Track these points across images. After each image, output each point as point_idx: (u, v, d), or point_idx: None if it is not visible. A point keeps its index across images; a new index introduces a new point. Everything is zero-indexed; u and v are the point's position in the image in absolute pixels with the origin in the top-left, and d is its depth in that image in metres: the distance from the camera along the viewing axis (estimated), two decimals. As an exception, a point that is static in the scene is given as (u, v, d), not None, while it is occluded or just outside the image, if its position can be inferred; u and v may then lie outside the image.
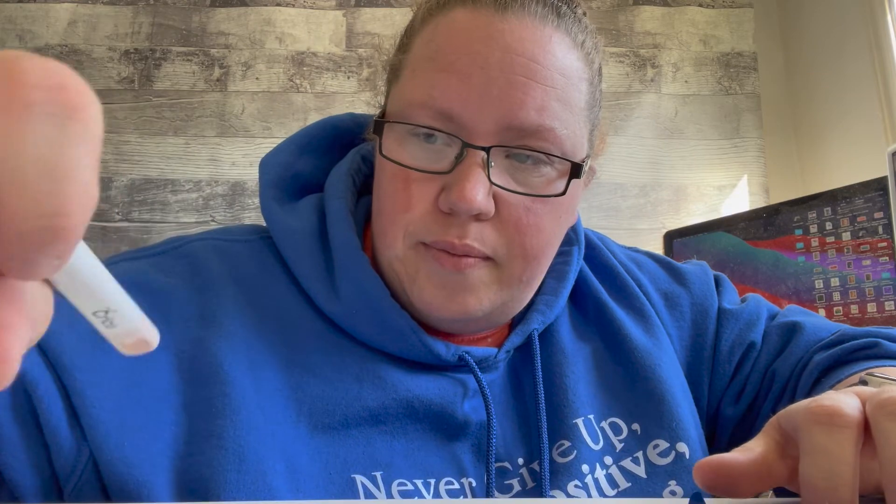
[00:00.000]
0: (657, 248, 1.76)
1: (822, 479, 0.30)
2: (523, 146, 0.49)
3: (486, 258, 0.50)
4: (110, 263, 0.50)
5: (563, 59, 0.50)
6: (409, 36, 0.55)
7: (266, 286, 0.53)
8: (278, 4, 2.03)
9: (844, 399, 0.32)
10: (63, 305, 0.21)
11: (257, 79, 1.97)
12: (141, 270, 0.50)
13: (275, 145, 0.61)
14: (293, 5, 2.03)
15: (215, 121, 1.94)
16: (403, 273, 0.51)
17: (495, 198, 0.49)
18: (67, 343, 0.43)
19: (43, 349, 0.43)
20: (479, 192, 0.47)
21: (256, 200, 1.90)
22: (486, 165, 0.48)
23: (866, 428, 0.31)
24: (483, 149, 0.48)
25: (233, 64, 1.98)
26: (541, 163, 0.50)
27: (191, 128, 1.93)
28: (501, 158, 0.49)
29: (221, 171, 1.91)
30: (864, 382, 0.43)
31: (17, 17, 1.96)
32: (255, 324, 0.50)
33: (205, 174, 1.91)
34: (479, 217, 0.49)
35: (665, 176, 1.99)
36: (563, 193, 0.51)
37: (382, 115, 0.53)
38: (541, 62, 0.49)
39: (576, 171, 0.51)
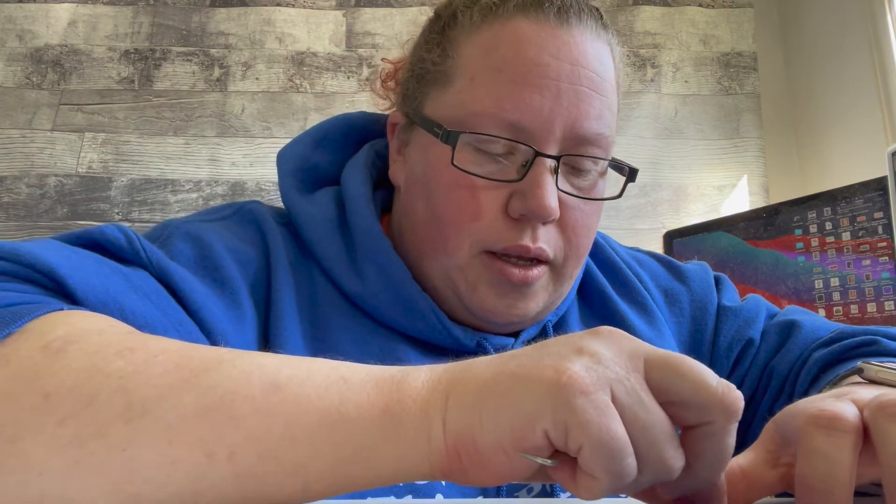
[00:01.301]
0: (657, 249, 1.76)
1: (818, 480, 0.30)
2: (584, 154, 0.52)
3: (548, 263, 0.53)
4: (186, 222, 0.54)
5: (610, 70, 0.54)
6: (451, 40, 0.54)
7: (297, 266, 0.55)
8: (278, 4, 2.03)
9: (844, 406, 0.32)
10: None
11: (257, 79, 1.97)
12: (224, 235, 0.53)
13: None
14: (293, 5, 2.03)
15: (215, 121, 1.94)
16: (462, 281, 0.53)
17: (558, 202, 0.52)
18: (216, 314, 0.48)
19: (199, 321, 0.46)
20: (554, 200, 0.50)
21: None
22: (555, 172, 0.51)
23: (865, 434, 0.31)
24: (554, 157, 0.51)
25: (233, 64, 1.98)
26: (590, 168, 0.54)
27: (191, 128, 1.93)
28: (561, 164, 0.52)
29: (221, 171, 1.92)
30: (860, 370, 0.43)
31: (17, 17, 1.96)
32: (294, 297, 0.53)
33: (205, 174, 1.91)
34: (547, 222, 0.52)
35: (665, 176, 1.99)
36: (620, 196, 0.56)
37: (427, 119, 0.54)
38: (600, 74, 0.53)
39: (632, 175, 0.56)
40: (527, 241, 0.51)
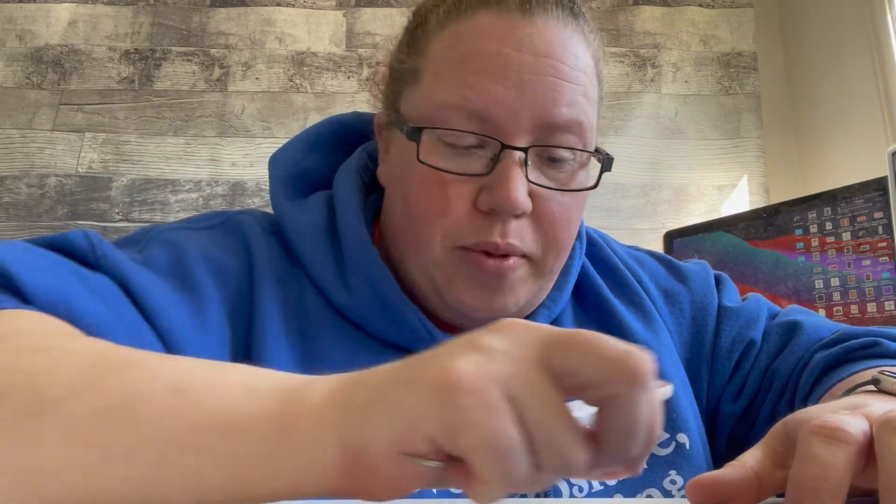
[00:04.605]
0: (657, 249, 1.76)
1: (809, 479, 0.30)
2: (556, 143, 0.51)
3: (524, 256, 0.52)
4: (168, 228, 0.54)
5: (582, 58, 0.53)
6: (421, 40, 0.55)
7: (286, 278, 0.55)
8: (278, 4, 2.03)
9: (851, 420, 0.32)
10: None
11: (257, 79, 1.97)
12: (204, 245, 0.53)
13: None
14: (293, 5, 2.03)
15: (215, 121, 1.94)
16: (440, 276, 0.52)
17: (530, 195, 0.51)
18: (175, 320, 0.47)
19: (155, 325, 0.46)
20: (522, 192, 0.49)
21: (256, 200, 1.90)
22: (524, 165, 0.50)
23: (872, 449, 0.31)
24: (521, 149, 0.50)
25: (233, 64, 1.98)
26: (566, 158, 0.52)
27: (191, 128, 1.93)
28: (533, 156, 0.51)
29: (221, 171, 1.91)
30: (876, 381, 0.43)
31: (17, 17, 1.96)
32: (280, 310, 0.52)
33: (205, 174, 1.91)
34: (518, 215, 0.50)
35: (665, 176, 1.99)
36: (596, 186, 0.54)
37: (400, 118, 0.54)
38: (567, 62, 0.51)
39: (607, 164, 0.54)
40: (496, 238, 0.50)
